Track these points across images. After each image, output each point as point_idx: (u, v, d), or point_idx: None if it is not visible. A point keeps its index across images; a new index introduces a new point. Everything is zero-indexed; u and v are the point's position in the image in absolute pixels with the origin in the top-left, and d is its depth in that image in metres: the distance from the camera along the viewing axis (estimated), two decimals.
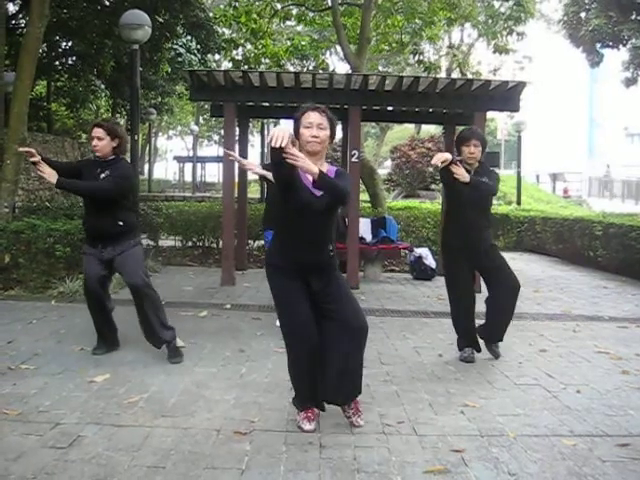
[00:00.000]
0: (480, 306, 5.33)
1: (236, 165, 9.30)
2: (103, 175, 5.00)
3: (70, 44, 19.11)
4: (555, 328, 6.40)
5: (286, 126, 3.62)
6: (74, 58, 19.77)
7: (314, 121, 3.58)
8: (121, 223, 5.03)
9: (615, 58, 23.84)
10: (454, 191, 5.11)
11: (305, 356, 3.65)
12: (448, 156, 4.74)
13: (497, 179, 5.17)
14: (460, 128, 11.07)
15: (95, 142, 5.04)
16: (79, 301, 7.20)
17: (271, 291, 3.80)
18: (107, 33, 16.38)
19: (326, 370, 3.68)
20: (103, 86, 22.05)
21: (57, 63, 19.91)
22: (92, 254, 5.06)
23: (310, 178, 3.47)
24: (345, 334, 3.64)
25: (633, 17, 20.52)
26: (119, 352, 5.20)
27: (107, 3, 17.02)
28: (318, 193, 3.54)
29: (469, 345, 5.24)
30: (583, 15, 21.75)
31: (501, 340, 5.34)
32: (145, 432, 3.58)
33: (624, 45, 21.38)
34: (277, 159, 3.33)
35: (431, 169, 25.19)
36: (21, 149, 4.76)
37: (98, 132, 5.03)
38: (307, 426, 3.65)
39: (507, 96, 8.54)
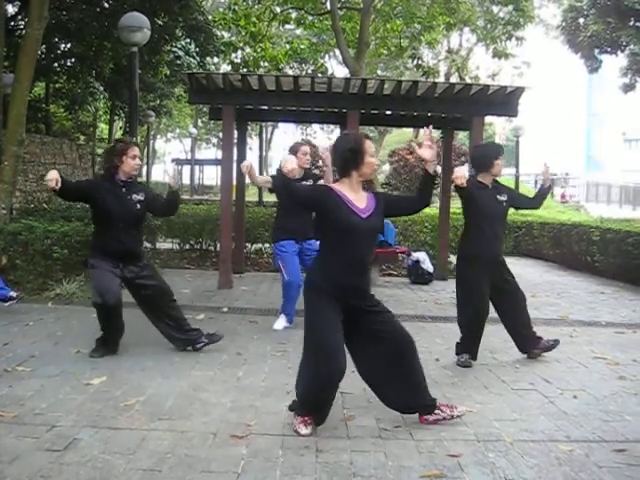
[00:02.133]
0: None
1: (234, 168, 9.31)
2: (135, 197, 5.09)
3: (69, 46, 19.11)
4: (552, 333, 6.38)
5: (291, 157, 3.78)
6: (73, 60, 19.76)
7: (374, 150, 3.81)
8: (141, 243, 5.28)
9: (613, 64, 23.89)
10: (478, 204, 5.16)
11: (335, 380, 3.62)
12: (465, 173, 4.91)
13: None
14: (458, 133, 11.15)
15: (138, 161, 5.13)
16: (76, 303, 7.22)
17: (306, 310, 3.80)
18: (106, 35, 16.38)
19: (396, 386, 3.78)
20: (102, 88, 22.06)
21: (56, 65, 19.89)
22: (110, 270, 5.05)
23: (356, 203, 3.67)
24: (405, 351, 3.76)
25: (631, 23, 20.58)
26: (116, 355, 5.19)
27: (106, 5, 17.01)
28: (364, 215, 3.67)
29: (468, 352, 5.25)
30: (581, 21, 21.82)
31: (540, 339, 5.47)
32: (141, 435, 3.57)
33: (622, 51, 21.44)
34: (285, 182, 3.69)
35: None
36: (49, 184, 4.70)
37: (138, 152, 5.13)
38: (304, 430, 3.65)
39: (505, 101, 8.55)
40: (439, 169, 4.53)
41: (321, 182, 6.19)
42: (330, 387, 3.66)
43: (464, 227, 5.48)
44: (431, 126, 4.09)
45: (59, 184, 4.67)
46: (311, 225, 6.36)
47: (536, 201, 5.83)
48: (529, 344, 5.46)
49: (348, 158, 3.69)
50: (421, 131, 4.99)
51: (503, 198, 5.29)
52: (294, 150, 6.36)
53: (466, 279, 5.30)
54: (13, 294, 6.79)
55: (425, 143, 3.83)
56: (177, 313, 5.37)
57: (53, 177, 4.65)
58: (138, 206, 5.15)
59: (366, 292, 3.79)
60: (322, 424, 3.74)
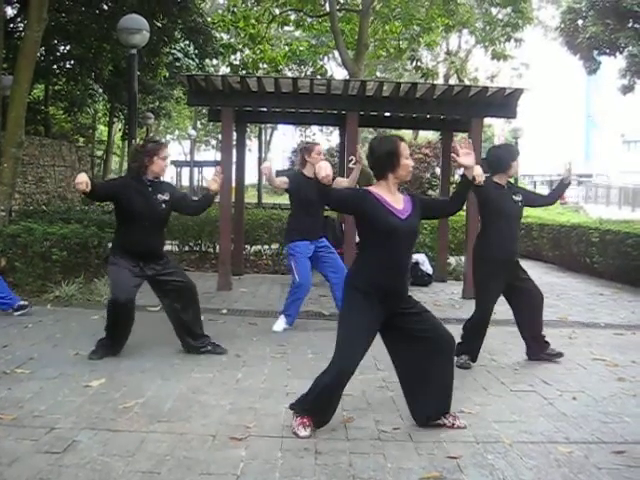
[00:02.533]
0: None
1: (233, 170, 9.32)
2: (161, 197, 5.12)
3: (68, 48, 19.12)
4: (551, 335, 6.36)
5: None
6: (72, 62, 19.78)
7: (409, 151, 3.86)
8: (165, 241, 5.35)
9: (612, 65, 23.91)
10: (495, 205, 5.18)
11: (340, 377, 3.67)
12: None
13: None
14: (457, 134, 11.15)
15: (167, 162, 5.23)
16: (75, 305, 7.21)
17: (342, 308, 3.81)
18: (105, 37, 16.39)
19: (427, 387, 3.80)
20: (101, 90, 22.09)
21: (55, 67, 19.91)
22: (129, 269, 5.07)
23: (394, 204, 3.70)
24: (441, 350, 3.80)
25: (630, 25, 20.59)
26: (115, 357, 5.18)
27: (105, 7, 17.02)
28: (403, 216, 3.70)
29: (468, 353, 5.25)
30: (580, 22, 21.83)
31: (548, 344, 5.52)
32: (140, 437, 3.57)
33: (621, 53, 21.45)
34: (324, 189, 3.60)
35: (428, 175, 25.24)
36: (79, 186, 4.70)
37: (168, 152, 5.21)
38: (303, 432, 3.65)
39: (504, 102, 8.56)
40: (479, 171, 4.62)
41: (341, 181, 6.25)
42: (334, 385, 3.66)
43: (481, 228, 5.48)
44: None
45: (89, 187, 4.68)
46: (322, 225, 6.42)
47: (550, 197, 5.93)
48: (537, 349, 5.47)
49: (384, 161, 3.74)
50: (456, 142, 4.96)
51: (518, 198, 5.33)
52: (308, 150, 6.36)
53: (483, 281, 5.31)
54: (23, 303, 6.70)
55: (464, 151, 3.88)
56: (192, 315, 5.39)
57: (83, 180, 4.66)
58: (163, 206, 5.17)
59: (404, 294, 3.82)
60: (322, 427, 3.74)
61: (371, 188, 3.79)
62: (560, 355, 5.47)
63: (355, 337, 3.66)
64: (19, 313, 6.54)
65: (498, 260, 5.19)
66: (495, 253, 5.20)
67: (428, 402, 3.83)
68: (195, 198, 5.80)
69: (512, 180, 5.59)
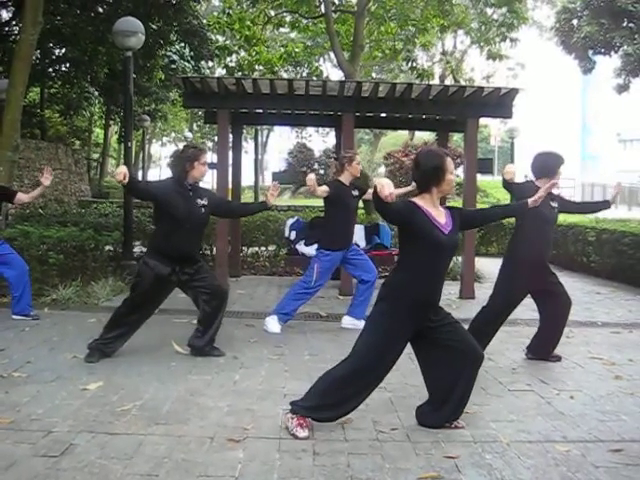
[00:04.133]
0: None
1: (230, 172, 9.32)
2: (200, 201, 5.18)
3: (64, 51, 19.12)
4: None
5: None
6: (67, 65, 19.77)
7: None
8: (200, 247, 5.25)
9: (607, 65, 23.94)
10: (536, 209, 5.18)
11: (362, 380, 3.69)
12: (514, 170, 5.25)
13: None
14: (453, 134, 11.17)
15: (207, 168, 5.30)
16: (72, 309, 7.21)
17: (377, 315, 3.80)
18: (101, 40, 16.38)
19: (451, 396, 3.81)
20: (97, 93, 22.08)
21: (50, 70, 19.90)
22: (161, 273, 5.11)
23: (438, 219, 3.73)
24: (469, 363, 3.82)
25: (624, 24, 20.62)
26: (112, 360, 5.17)
27: (100, 10, 17.02)
28: (446, 231, 3.73)
29: None
30: (575, 22, 21.85)
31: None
32: (138, 440, 3.56)
33: (616, 52, 21.47)
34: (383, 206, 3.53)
35: None
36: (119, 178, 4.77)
37: (207, 158, 5.28)
38: (301, 433, 3.65)
39: (500, 103, 8.57)
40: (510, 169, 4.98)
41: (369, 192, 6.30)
42: (347, 379, 3.67)
43: (516, 229, 5.48)
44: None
45: (127, 178, 4.72)
46: (353, 233, 6.50)
47: (585, 207, 6.34)
48: (543, 352, 5.49)
49: (431, 175, 3.75)
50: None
51: (554, 204, 5.37)
52: (349, 160, 6.43)
53: (509, 282, 5.31)
54: (34, 314, 6.70)
55: (540, 194, 4.29)
56: (217, 320, 5.43)
57: (122, 171, 4.71)
58: (203, 210, 5.22)
59: (438, 305, 3.86)
60: (328, 422, 3.75)
61: (417, 201, 3.77)
62: (558, 359, 5.48)
63: (383, 342, 3.69)
64: (19, 317, 6.54)
65: (529, 262, 5.22)
66: (528, 255, 5.23)
67: (446, 410, 3.84)
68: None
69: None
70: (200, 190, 5.32)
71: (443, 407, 3.84)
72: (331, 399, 3.71)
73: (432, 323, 3.80)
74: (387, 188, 3.38)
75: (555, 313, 5.41)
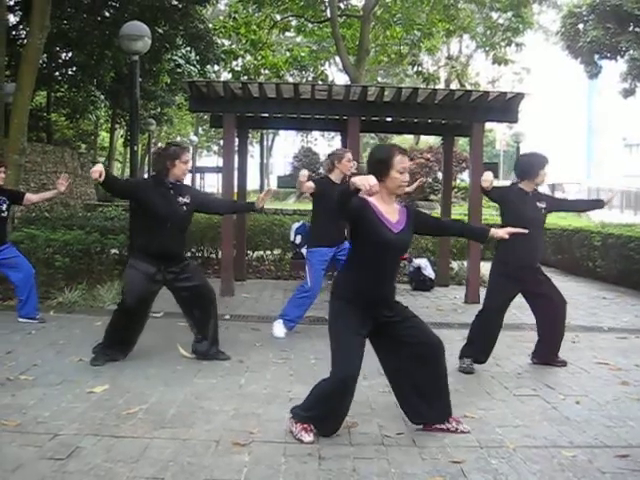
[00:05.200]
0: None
1: (235, 175, 9.33)
2: (182, 199, 5.15)
3: (70, 55, 19.19)
4: None
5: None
6: (74, 69, 19.83)
7: (407, 166, 3.73)
8: (185, 244, 5.36)
9: (613, 69, 23.92)
10: (515, 211, 5.21)
11: (345, 384, 3.62)
12: (491, 177, 5.17)
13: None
14: (459, 139, 11.17)
15: (189, 166, 5.25)
16: (78, 312, 7.22)
17: (330, 318, 3.78)
18: (107, 44, 16.44)
19: (419, 392, 3.80)
20: (103, 97, 22.13)
21: (57, 74, 19.98)
22: (147, 273, 5.10)
23: (388, 216, 3.67)
24: (430, 354, 3.79)
25: (631, 29, 20.62)
26: (118, 363, 5.18)
27: (107, 14, 17.09)
28: (395, 230, 3.67)
29: (470, 357, 5.25)
30: (581, 27, 21.85)
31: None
32: (144, 443, 3.57)
33: (622, 56, 21.47)
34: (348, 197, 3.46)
35: (430, 180, 25.22)
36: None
37: (190, 156, 5.25)
38: (307, 438, 3.64)
39: (505, 107, 8.56)
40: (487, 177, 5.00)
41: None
42: (340, 392, 3.63)
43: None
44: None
45: (102, 176, 4.73)
46: (344, 230, 6.42)
47: (578, 205, 6.27)
48: (547, 357, 5.47)
49: (375, 168, 3.69)
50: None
51: (542, 205, 5.34)
52: (339, 157, 6.41)
53: (491, 280, 5.33)
54: (38, 316, 6.72)
55: (501, 234, 4.13)
56: (209, 320, 5.39)
57: (97, 169, 4.71)
58: (184, 208, 5.20)
59: (390, 302, 3.82)
60: (333, 434, 3.73)
61: (369, 197, 3.68)
62: (564, 364, 5.46)
63: (346, 343, 3.64)
64: (25, 321, 6.56)
65: (515, 266, 5.20)
66: (513, 258, 5.21)
67: (422, 406, 3.82)
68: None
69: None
70: (182, 188, 5.27)
71: (417, 403, 3.82)
72: (324, 411, 3.69)
73: (386, 321, 3.75)
74: (375, 188, 3.29)
75: (551, 315, 5.39)
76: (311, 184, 6.30)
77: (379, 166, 3.68)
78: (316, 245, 6.38)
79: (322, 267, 6.38)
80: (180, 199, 5.15)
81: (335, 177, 6.37)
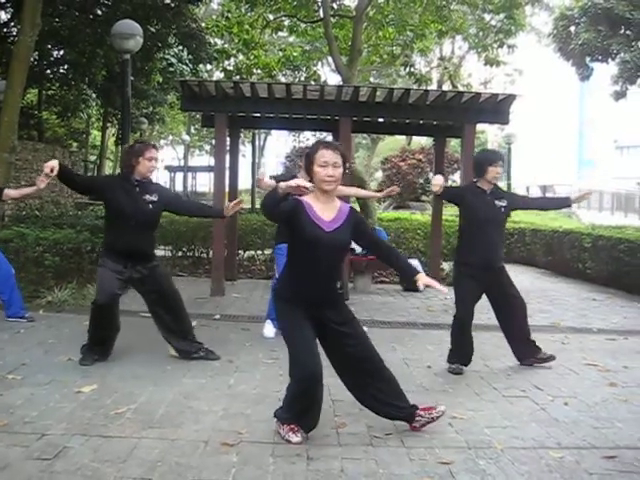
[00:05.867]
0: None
1: (227, 175, 9.32)
2: (149, 197, 5.11)
3: (62, 53, 19.08)
4: (543, 340, 6.38)
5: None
6: (65, 67, 19.73)
7: (329, 160, 3.60)
8: (154, 244, 5.32)
9: (605, 72, 24.00)
10: (471, 209, 5.22)
11: (312, 383, 3.61)
12: (441, 181, 5.13)
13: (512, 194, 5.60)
14: (450, 140, 11.21)
15: (154, 163, 5.18)
16: (68, 311, 7.19)
17: (278, 319, 3.82)
18: (99, 42, 16.35)
19: (366, 392, 3.80)
20: (94, 95, 22.02)
21: (48, 72, 19.86)
22: (115, 270, 5.09)
23: (320, 214, 3.61)
24: (374, 367, 3.76)
25: (622, 32, 20.68)
26: (107, 363, 5.17)
27: (99, 12, 17.00)
28: (327, 229, 3.60)
29: (458, 361, 5.27)
30: (573, 29, 21.91)
31: (539, 350, 5.50)
32: (132, 443, 3.56)
33: (613, 59, 21.53)
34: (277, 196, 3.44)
35: (422, 180, 25.29)
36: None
37: (155, 153, 5.18)
38: (295, 439, 3.64)
39: (497, 109, 8.59)
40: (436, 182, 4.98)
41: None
42: (305, 390, 3.63)
43: (458, 232, 5.54)
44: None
45: (55, 171, 4.72)
46: None
47: (545, 203, 6.15)
48: (527, 353, 5.47)
49: (305, 165, 3.71)
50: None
51: (502, 204, 5.28)
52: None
53: (458, 286, 5.34)
54: (27, 315, 6.67)
55: (425, 282, 3.77)
56: (176, 320, 5.37)
57: (50, 164, 4.72)
58: (150, 206, 5.16)
59: (335, 303, 3.75)
60: (313, 429, 3.73)
61: (304, 196, 3.64)
62: (552, 358, 5.47)
63: (296, 342, 3.63)
64: (13, 320, 6.52)
65: (474, 265, 5.18)
66: (470, 258, 5.20)
67: (385, 408, 3.81)
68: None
69: (505, 187, 5.61)
70: (149, 186, 5.22)
71: (372, 403, 3.83)
72: (300, 409, 3.69)
73: (333, 324, 3.70)
74: (302, 188, 3.32)
75: (513, 314, 5.39)
76: (271, 182, 6.32)
77: (306, 162, 3.69)
78: (281, 241, 6.36)
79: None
80: (147, 197, 5.11)
81: (302, 175, 6.32)
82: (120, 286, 5.15)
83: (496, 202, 5.26)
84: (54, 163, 4.74)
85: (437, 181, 5.18)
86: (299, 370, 3.59)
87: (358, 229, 3.76)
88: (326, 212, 3.66)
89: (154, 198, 5.16)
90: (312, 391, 3.63)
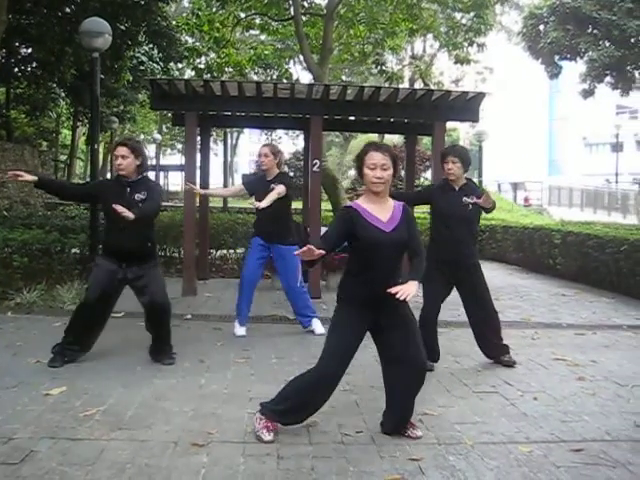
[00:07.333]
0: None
1: (198, 174, 9.28)
2: (139, 196, 5.05)
3: (30, 51, 18.87)
4: (514, 336, 6.47)
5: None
6: (34, 65, 19.50)
7: (378, 162, 3.62)
8: (149, 244, 5.22)
9: (573, 70, 24.32)
10: (438, 206, 5.25)
11: (326, 386, 3.66)
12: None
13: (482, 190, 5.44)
14: (423, 138, 11.26)
15: (120, 161, 5.08)
16: (37, 313, 7.10)
17: (333, 319, 3.79)
18: (68, 40, 16.18)
19: (394, 396, 3.80)
20: (64, 94, 21.80)
21: (17, 70, 19.62)
22: (109, 270, 5.07)
23: (376, 214, 3.63)
24: (406, 370, 3.75)
25: (589, 30, 20.99)
26: (77, 364, 5.10)
27: (68, 10, 16.81)
28: (387, 229, 3.62)
29: (427, 357, 5.27)
30: (542, 28, 22.19)
31: (507, 352, 5.50)
32: (101, 446, 3.52)
33: (581, 57, 21.84)
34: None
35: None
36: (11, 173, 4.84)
37: (122, 151, 5.08)
38: (266, 437, 3.64)
39: (467, 106, 8.65)
40: None
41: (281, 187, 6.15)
42: (320, 386, 3.66)
43: (429, 229, 5.57)
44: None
45: (27, 177, 4.82)
46: (288, 230, 6.37)
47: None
48: (496, 351, 5.50)
49: (356, 167, 3.75)
50: None
51: (470, 200, 5.24)
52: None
53: (424, 280, 5.33)
54: None
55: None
56: (161, 330, 5.33)
57: (19, 173, 4.82)
58: (140, 205, 5.08)
59: (390, 303, 3.64)
60: (289, 425, 3.74)
61: (357, 200, 3.70)
62: (514, 363, 5.44)
63: (335, 343, 3.67)
64: None
65: (442, 261, 5.17)
66: (438, 254, 5.17)
67: (396, 410, 3.82)
68: None
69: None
70: (141, 185, 5.15)
71: (390, 411, 3.84)
72: (299, 403, 3.71)
73: (385, 321, 3.72)
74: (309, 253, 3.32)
75: (483, 315, 5.40)
76: (200, 191, 7.32)
77: (356, 164, 3.74)
78: (253, 235, 6.56)
79: (255, 255, 6.42)
80: (137, 196, 5.07)
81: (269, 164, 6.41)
82: (113, 285, 5.12)
83: (464, 199, 5.24)
84: (27, 178, 4.86)
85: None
86: (322, 366, 3.64)
87: (410, 226, 3.78)
88: (382, 213, 3.67)
89: (143, 196, 5.10)
90: (325, 388, 3.68)
